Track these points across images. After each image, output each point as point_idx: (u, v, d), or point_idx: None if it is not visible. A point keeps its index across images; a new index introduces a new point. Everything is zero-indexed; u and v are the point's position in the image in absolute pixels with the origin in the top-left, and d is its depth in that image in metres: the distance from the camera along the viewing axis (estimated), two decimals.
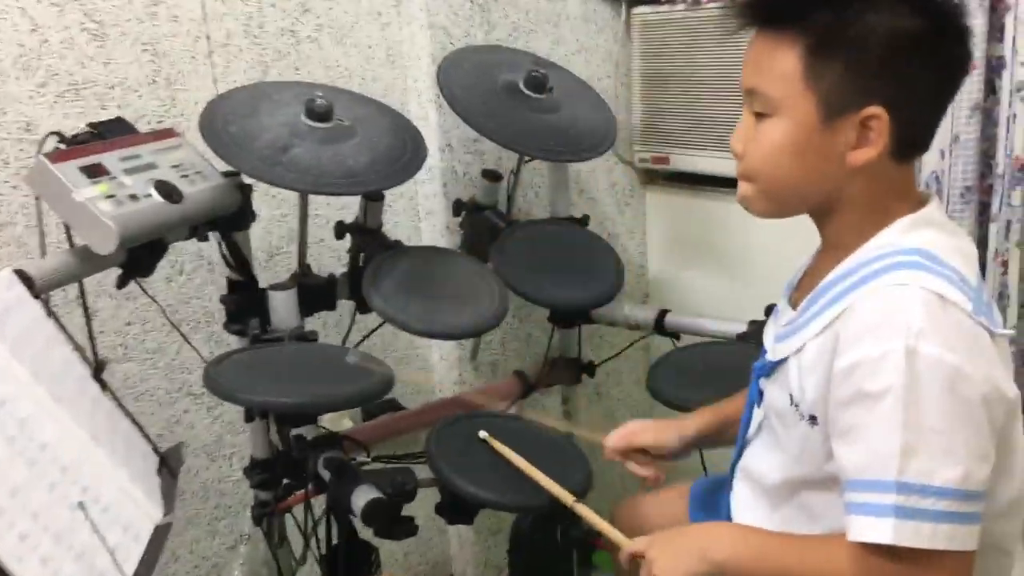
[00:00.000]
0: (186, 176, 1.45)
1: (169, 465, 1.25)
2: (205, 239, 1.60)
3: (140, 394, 1.95)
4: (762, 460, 1.19)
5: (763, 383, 1.19)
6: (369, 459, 1.75)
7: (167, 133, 1.51)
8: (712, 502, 1.39)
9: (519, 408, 2.26)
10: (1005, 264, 1.69)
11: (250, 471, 1.70)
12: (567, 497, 1.32)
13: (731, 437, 1.29)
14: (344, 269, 1.81)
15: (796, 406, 1.07)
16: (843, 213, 1.07)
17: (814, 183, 1.06)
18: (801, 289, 1.17)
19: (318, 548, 1.45)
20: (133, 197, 1.34)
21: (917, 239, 1.02)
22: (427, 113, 2.13)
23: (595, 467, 1.53)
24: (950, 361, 0.92)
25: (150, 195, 1.36)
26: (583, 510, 1.30)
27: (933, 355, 0.92)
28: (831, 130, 1.02)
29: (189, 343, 1.77)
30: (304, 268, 1.81)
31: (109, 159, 1.36)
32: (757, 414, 1.22)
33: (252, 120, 1.57)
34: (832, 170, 1.04)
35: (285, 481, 1.64)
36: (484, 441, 1.43)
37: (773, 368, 1.15)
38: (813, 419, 1.04)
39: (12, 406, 0.97)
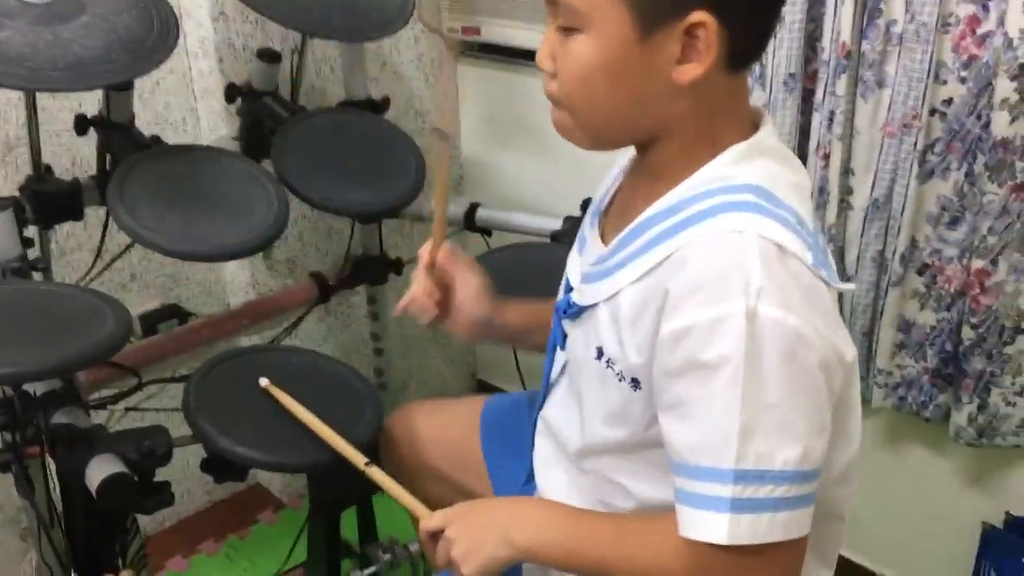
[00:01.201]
0: None
1: None
2: None
3: None
4: (565, 416, 1.05)
5: (566, 325, 1.03)
6: (139, 386, 1.53)
7: None
8: (510, 423, 1.26)
9: (322, 311, 2.07)
10: (827, 157, 1.58)
11: None
12: (359, 459, 1.15)
13: (540, 346, 1.13)
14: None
15: (609, 362, 0.92)
16: (669, 140, 0.90)
17: (637, 109, 0.89)
18: (611, 218, 1.01)
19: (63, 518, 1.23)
20: None
21: (750, 172, 0.87)
22: None
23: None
24: (792, 324, 0.79)
25: None
26: (376, 474, 1.13)
27: (774, 318, 0.78)
28: (651, 44, 0.84)
29: None
30: (40, 171, 1.51)
31: None
32: (560, 356, 1.07)
33: None
34: (656, 91, 0.86)
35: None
36: (264, 391, 1.24)
37: (579, 312, 0.99)
38: (636, 382, 0.90)
39: None
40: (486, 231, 1.84)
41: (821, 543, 0.96)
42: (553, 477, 1.09)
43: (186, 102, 1.94)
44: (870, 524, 1.74)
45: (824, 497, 0.87)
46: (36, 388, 1.20)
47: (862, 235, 1.59)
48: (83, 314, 1.11)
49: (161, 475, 1.97)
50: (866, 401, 1.66)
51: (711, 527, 0.81)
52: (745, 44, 0.86)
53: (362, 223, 1.89)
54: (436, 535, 0.99)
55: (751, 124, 0.92)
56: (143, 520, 2.07)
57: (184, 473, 2.11)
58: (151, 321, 1.93)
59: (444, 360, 2.47)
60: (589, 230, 1.04)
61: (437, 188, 1.13)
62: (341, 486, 1.63)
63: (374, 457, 1.19)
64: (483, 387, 2.54)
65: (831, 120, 1.56)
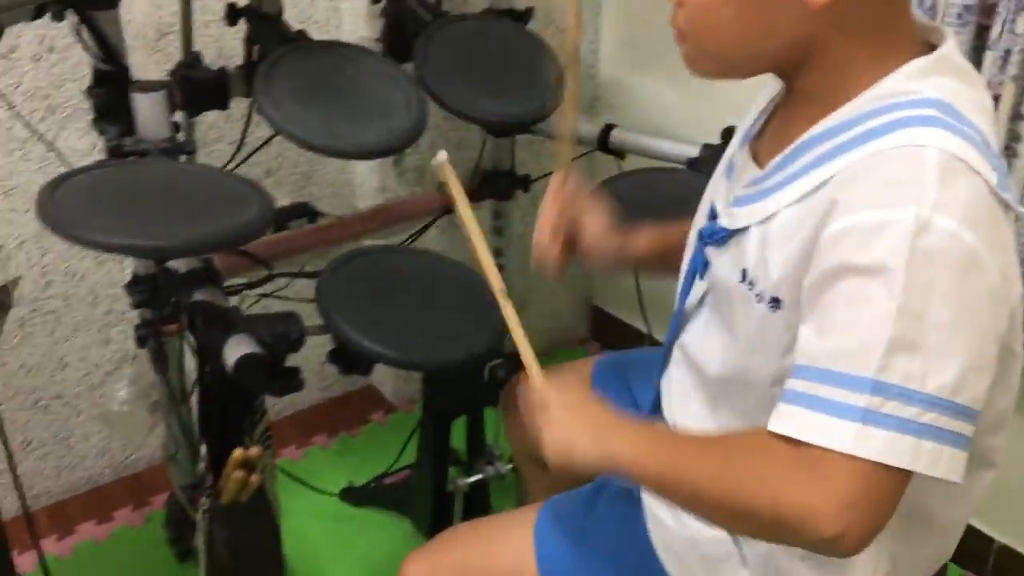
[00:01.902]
0: None
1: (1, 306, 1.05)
2: (60, 18, 1.31)
3: (10, 190, 1.73)
4: (705, 343, 1.00)
5: (710, 252, 0.99)
6: (269, 277, 1.57)
7: None
8: (620, 382, 1.24)
9: (447, 221, 2.08)
10: (996, 99, 1.48)
11: (131, 287, 1.51)
12: (496, 284, 1.12)
13: (673, 271, 1.09)
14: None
15: (751, 284, 0.88)
16: (815, 65, 0.84)
17: (769, 37, 0.83)
18: (766, 141, 0.96)
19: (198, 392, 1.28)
20: None
21: (933, 87, 0.80)
22: None
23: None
24: (968, 241, 0.73)
25: None
26: (507, 309, 1.09)
27: (948, 230, 0.72)
28: None
29: (43, 141, 1.52)
30: (191, 57, 1.54)
31: None
32: (699, 286, 1.03)
33: None
34: (788, 17, 0.81)
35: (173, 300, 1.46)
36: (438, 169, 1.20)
37: (726, 237, 0.95)
38: (775, 302, 0.84)
39: None
40: (619, 154, 1.80)
41: (970, 491, 0.91)
42: (686, 408, 1.05)
43: (331, 3, 1.94)
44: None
45: (977, 441, 0.79)
46: (179, 266, 1.24)
47: None
48: (229, 197, 1.13)
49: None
50: None
51: (834, 432, 0.74)
52: None
53: (495, 135, 1.87)
54: (540, 400, 0.94)
55: (922, 42, 0.85)
56: None
57: (304, 367, 2.17)
58: (282, 217, 1.96)
59: (562, 285, 2.46)
60: (739, 153, 0.99)
61: (564, 115, 1.11)
62: (456, 393, 1.66)
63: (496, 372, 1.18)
64: (598, 314, 2.53)
65: (1005, 60, 1.45)
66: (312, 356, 2.18)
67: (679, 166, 1.67)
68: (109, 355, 1.95)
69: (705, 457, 0.86)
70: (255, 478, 1.08)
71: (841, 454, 0.73)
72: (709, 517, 0.87)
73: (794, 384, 0.78)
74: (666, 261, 1.15)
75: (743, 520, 0.82)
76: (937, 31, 0.87)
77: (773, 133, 0.95)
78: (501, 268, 2.06)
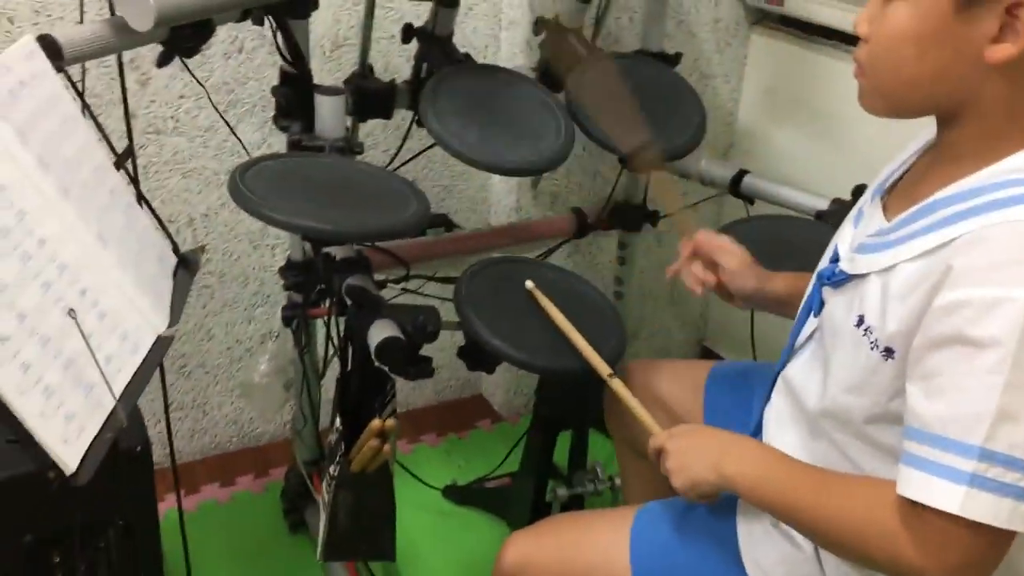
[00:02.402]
0: None
1: (187, 267, 1.19)
2: (260, 23, 1.47)
3: (188, 171, 1.90)
4: (808, 377, 1.08)
5: (826, 292, 1.07)
6: (406, 276, 1.69)
7: None
8: (735, 392, 1.31)
9: (574, 246, 2.18)
10: None
11: (285, 271, 1.65)
12: (604, 368, 1.25)
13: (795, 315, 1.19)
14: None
15: (867, 331, 0.95)
16: (971, 121, 0.90)
17: (940, 81, 0.89)
18: (897, 195, 1.02)
19: (340, 365, 1.41)
20: None
21: None
22: None
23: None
24: None
25: None
26: (618, 385, 1.23)
27: None
28: (968, 18, 0.85)
29: (234, 133, 1.69)
30: (365, 68, 1.69)
31: None
32: (811, 323, 1.10)
33: None
34: (964, 68, 0.87)
35: (320, 286, 1.60)
36: (528, 292, 1.35)
37: (845, 280, 1.02)
38: (889, 352, 0.92)
39: (11, 194, 0.90)
40: (749, 199, 1.86)
41: None
42: (783, 437, 1.13)
43: (492, 30, 2.08)
44: None
45: None
46: (337, 252, 1.37)
47: None
48: (394, 195, 1.26)
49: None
50: None
51: (944, 494, 0.83)
52: None
53: (631, 169, 1.96)
54: (662, 450, 1.09)
55: None
56: None
57: None
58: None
59: (676, 320, 2.52)
60: (870, 204, 1.06)
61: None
62: (566, 406, 1.75)
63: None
64: (707, 354, 2.58)
65: None
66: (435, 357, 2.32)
67: (807, 216, 1.72)
68: (251, 333, 2.12)
69: (823, 495, 0.96)
70: (387, 448, 1.19)
71: (950, 514, 0.82)
72: (819, 544, 1.00)
73: (910, 446, 0.87)
74: (793, 308, 1.23)
75: (856, 558, 0.96)
76: None
77: (906, 188, 1.02)
78: (620, 296, 2.16)
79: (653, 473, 1.16)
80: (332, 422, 1.37)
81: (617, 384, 1.22)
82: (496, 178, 2.21)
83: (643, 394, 1.28)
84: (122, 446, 1.32)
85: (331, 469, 1.33)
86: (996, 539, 0.83)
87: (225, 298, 2.07)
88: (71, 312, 0.90)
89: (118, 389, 0.94)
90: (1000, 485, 0.81)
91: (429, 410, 2.38)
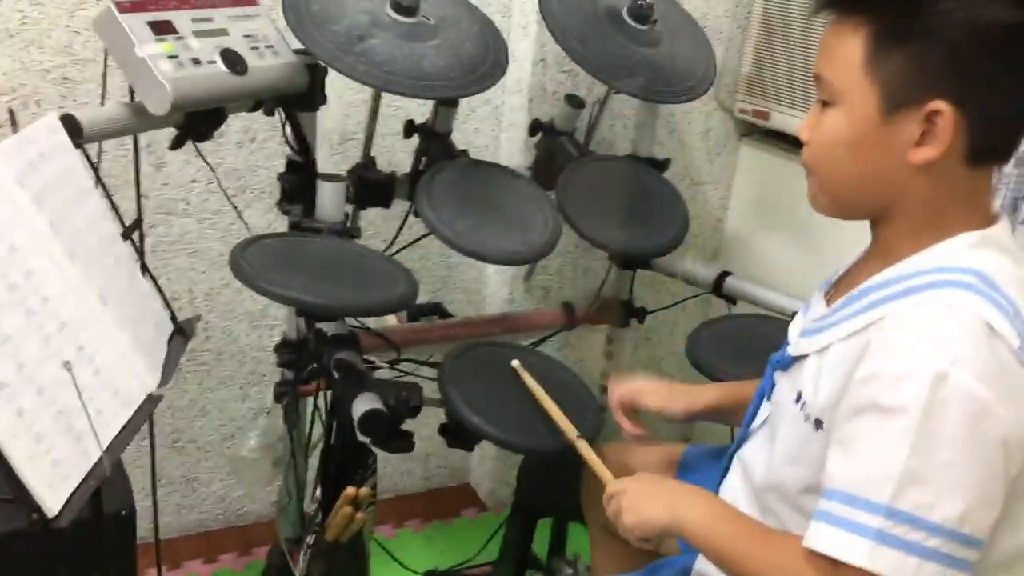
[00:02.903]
0: (256, 48, 1.42)
1: (183, 335, 1.26)
2: (271, 114, 1.58)
3: (193, 252, 1.99)
4: (758, 455, 1.14)
5: (777, 376, 1.13)
6: (397, 360, 1.75)
7: (247, 0, 1.48)
8: (702, 470, 1.35)
9: (563, 340, 2.24)
10: None
11: (279, 348, 1.72)
12: (571, 431, 1.30)
13: (740, 420, 1.24)
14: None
15: (802, 405, 1.02)
16: (899, 218, 0.99)
17: (871, 181, 0.98)
18: (839, 288, 1.10)
19: (324, 440, 1.46)
20: (196, 61, 1.32)
21: (978, 260, 0.93)
22: (528, 23, 2.05)
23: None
24: (980, 395, 0.85)
25: (214, 62, 1.34)
26: (583, 447, 1.28)
27: (963, 385, 0.85)
28: (892, 124, 0.93)
29: (239, 214, 1.78)
30: (368, 160, 1.78)
31: (180, 18, 1.34)
32: (765, 407, 1.16)
33: (335, 1, 1.52)
34: (892, 168, 0.95)
35: (312, 365, 1.66)
36: (513, 370, 1.41)
37: (791, 363, 1.09)
38: (819, 423, 0.98)
39: (22, 256, 0.98)
40: (731, 299, 1.93)
41: None
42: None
43: (492, 132, 2.19)
44: None
45: None
46: (328, 328, 1.43)
47: None
48: (384, 275, 1.33)
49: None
50: None
51: (850, 547, 0.87)
52: (987, 140, 0.93)
53: (620, 266, 2.04)
54: (616, 492, 1.13)
55: (987, 220, 0.97)
56: None
57: (411, 457, 2.33)
58: (416, 313, 2.17)
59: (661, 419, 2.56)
60: (817, 296, 1.14)
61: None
62: (546, 493, 1.78)
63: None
64: None
65: None
66: (420, 448, 2.35)
67: (785, 317, 1.79)
68: (244, 411, 2.17)
69: (758, 547, 1.01)
70: (360, 516, 1.23)
71: (856, 568, 0.87)
72: None
73: (822, 504, 0.93)
74: (732, 411, 1.32)
75: None
76: (997, 215, 0.99)
77: (846, 281, 1.10)
78: (605, 390, 2.20)
79: (623, 551, 1.20)
80: (313, 494, 1.41)
81: (583, 446, 1.27)
82: (490, 270, 2.29)
83: (617, 474, 1.32)
84: (108, 508, 1.36)
85: (308, 539, 1.37)
86: None
87: (222, 376, 2.12)
88: (67, 364, 0.96)
89: (105, 441, 0.99)
90: (905, 543, 0.86)
91: (416, 496, 2.41)
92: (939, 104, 0.90)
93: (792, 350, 1.10)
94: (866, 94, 0.94)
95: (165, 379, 1.13)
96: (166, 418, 2.09)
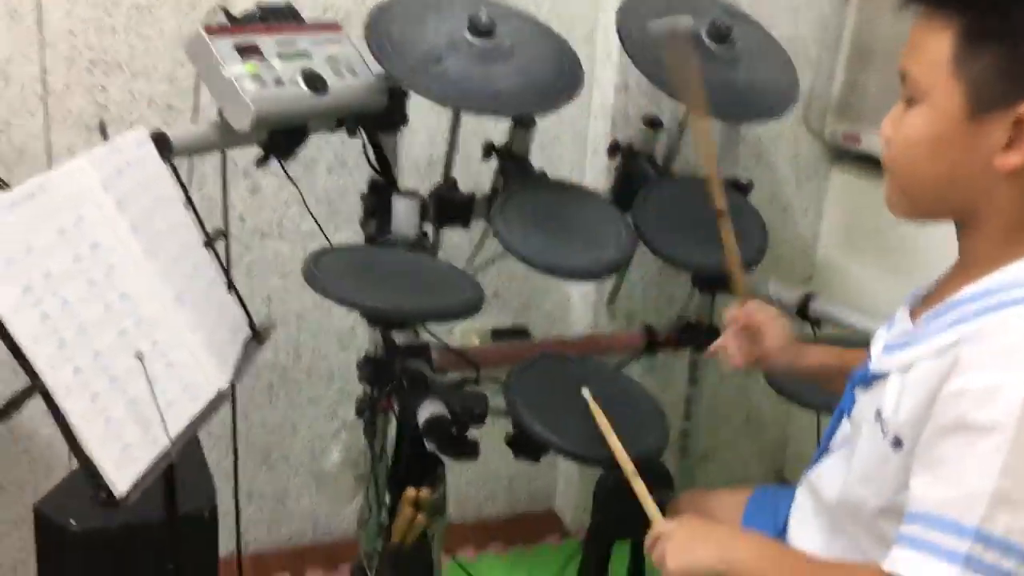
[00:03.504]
0: (338, 70, 1.49)
1: (258, 339, 1.31)
2: (353, 134, 1.64)
3: (286, 272, 2.07)
4: (834, 474, 1.10)
5: (858, 393, 1.10)
6: (476, 379, 1.77)
7: (332, 26, 1.56)
8: (770, 510, 1.31)
9: (647, 365, 2.22)
10: None
11: (362, 365, 1.76)
12: (628, 465, 1.28)
13: (840, 387, 1.19)
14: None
15: (881, 423, 0.98)
16: (985, 226, 0.95)
17: (952, 184, 0.94)
18: (925, 303, 1.06)
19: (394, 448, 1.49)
20: (278, 81, 1.39)
21: None
22: (611, 50, 2.08)
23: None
24: None
25: (296, 82, 1.41)
26: (638, 484, 1.25)
27: None
28: (978, 126, 0.90)
29: (322, 231, 1.84)
30: (449, 181, 1.83)
31: (265, 41, 1.42)
32: (845, 424, 1.13)
33: (417, 26, 1.58)
34: (975, 173, 0.92)
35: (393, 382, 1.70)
36: (581, 396, 1.40)
37: (872, 380, 1.05)
38: (898, 442, 0.94)
39: (104, 253, 1.05)
40: (816, 322, 1.89)
41: None
42: (805, 533, 1.14)
43: (577, 157, 2.22)
44: None
45: None
46: (400, 338, 1.47)
47: None
48: (450, 284, 1.37)
49: (475, 468, 2.21)
50: None
51: (937, 573, 0.83)
52: None
53: (698, 288, 2.02)
54: (661, 535, 1.07)
55: None
56: (452, 509, 2.34)
57: (495, 481, 2.36)
58: (501, 335, 2.20)
59: (752, 448, 2.50)
60: (902, 312, 1.10)
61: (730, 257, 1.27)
62: (621, 512, 1.76)
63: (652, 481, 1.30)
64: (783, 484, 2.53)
65: None
66: (504, 472, 2.36)
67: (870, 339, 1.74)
68: (333, 429, 2.22)
69: (810, 567, 0.96)
70: (421, 518, 1.25)
71: None
72: None
73: (906, 529, 0.88)
74: (832, 378, 1.26)
75: None
76: None
77: (932, 297, 1.06)
78: (689, 416, 2.18)
79: None
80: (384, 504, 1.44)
81: (637, 483, 1.24)
82: (574, 295, 2.30)
83: None
84: (190, 509, 1.43)
85: (377, 545, 1.39)
86: None
87: (311, 394, 2.19)
88: (139, 355, 1.02)
89: (174, 430, 1.05)
90: (995, 570, 0.81)
91: (500, 521, 2.41)
92: None
93: (874, 366, 1.06)
94: (952, 93, 0.91)
95: (237, 378, 1.18)
96: (259, 435, 2.17)
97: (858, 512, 1.02)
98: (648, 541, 1.11)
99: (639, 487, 1.25)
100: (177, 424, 1.06)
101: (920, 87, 0.94)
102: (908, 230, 2.08)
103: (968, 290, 0.94)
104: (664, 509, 1.68)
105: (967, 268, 0.97)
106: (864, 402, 1.06)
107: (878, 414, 0.99)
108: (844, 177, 2.27)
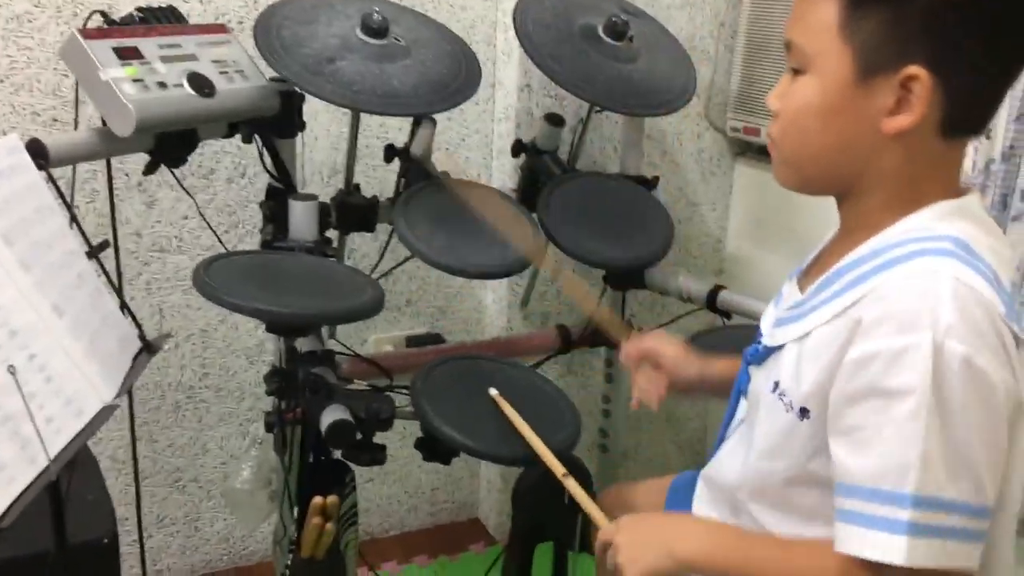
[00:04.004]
0: (225, 73, 1.45)
1: (150, 352, 1.26)
2: (249, 141, 1.60)
3: (188, 288, 2.00)
4: (733, 456, 1.10)
5: (752, 370, 1.10)
6: (390, 387, 1.74)
7: (217, 28, 1.51)
8: (692, 494, 1.31)
9: (564, 365, 2.22)
10: None
11: (268, 378, 1.71)
12: (558, 469, 1.25)
13: None
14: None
15: (781, 394, 0.97)
16: (869, 192, 0.95)
17: (842, 152, 0.95)
18: (810, 274, 1.07)
19: (300, 457, 1.44)
20: (162, 84, 1.34)
21: (952, 227, 0.90)
22: (511, 50, 2.07)
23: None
24: (979, 364, 0.82)
25: (181, 85, 1.37)
26: (571, 484, 1.23)
27: (961, 355, 0.82)
28: (866, 90, 0.90)
29: (221, 242, 1.79)
30: (351, 186, 1.79)
31: (147, 44, 1.37)
32: (742, 406, 1.12)
33: (307, 27, 1.55)
34: (863, 138, 0.92)
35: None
36: (490, 396, 1.38)
37: (766, 355, 1.05)
38: (804, 412, 0.94)
39: None
40: (726, 313, 1.90)
41: None
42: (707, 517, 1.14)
43: (483, 159, 2.20)
44: None
45: None
46: (302, 346, 1.43)
47: None
48: (350, 287, 1.33)
49: (395, 481, 2.16)
50: None
51: (888, 547, 0.84)
52: (962, 110, 0.90)
53: (613, 287, 2.02)
54: (608, 545, 1.06)
55: (959, 194, 0.94)
56: (370, 523, 2.29)
57: (416, 492, 2.32)
58: (415, 343, 2.17)
59: (673, 444, 2.51)
60: (788, 285, 1.10)
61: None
62: (541, 517, 1.74)
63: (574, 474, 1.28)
64: None
65: None
66: (426, 482, 2.33)
67: None
68: (245, 447, 2.16)
69: (774, 561, 0.96)
70: (330, 527, 1.21)
71: (899, 567, 0.83)
72: None
73: (843, 503, 0.88)
74: None
75: None
76: (968, 186, 0.97)
77: (817, 266, 1.06)
78: (608, 414, 2.18)
79: None
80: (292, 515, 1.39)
81: (571, 483, 1.22)
82: (488, 299, 2.28)
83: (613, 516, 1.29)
84: (88, 537, 1.36)
85: (287, 561, 1.35)
86: None
87: (221, 413, 2.12)
88: (11, 368, 0.96)
89: (55, 449, 0.99)
90: (935, 528, 0.83)
91: (423, 533, 2.37)
92: (915, 69, 0.87)
93: (767, 341, 1.06)
94: (841, 59, 0.91)
95: (122, 392, 1.12)
96: (167, 457, 2.09)
97: (764, 487, 1.01)
98: (597, 550, 1.09)
99: (574, 488, 1.22)
100: (58, 441, 1.00)
101: (807, 55, 0.94)
102: (813, 219, 2.12)
103: (853, 255, 0.95)
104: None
105: (851, 234, 0.97)
106: (760, 378, 1.06)
107: (776, 386, 0.99)
108: (748, 170, 2.31)
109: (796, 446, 0.96)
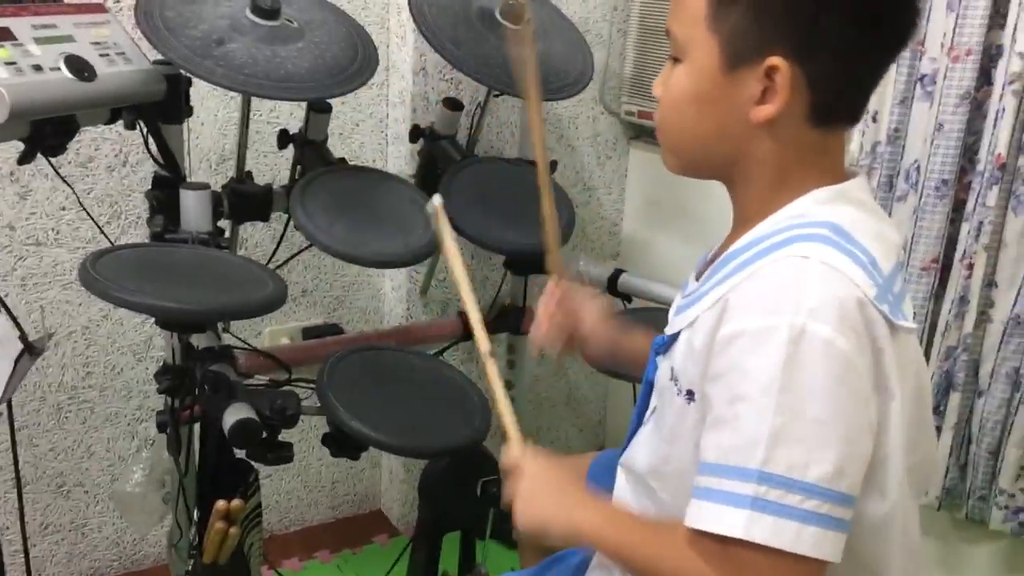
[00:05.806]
0: (106, 55, 1.36)
1: (31, 352, 1.18)
2: (132, 127, 1.51)
3: (68, 283, 1.90)
4: (646, 444, 1.10)
5: (659, 359, 1.10)
6: (288, 380, 1.68)
7: (95, 8, 1.42)
8: (613, 473, 1.32)
9: (465, 352, 2.20)
10: (971, 267, 1.58)
11: (159, 376, 1.63)
12: (485, 343, 1.22)
13: None
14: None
15: (675, 380, 0.98)
16: (750, 180, 0.96)
17: (717, 140, 0.96)
18: (710, 263, 1.08)
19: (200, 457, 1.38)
20: (37, 68, 1.26)
21: (831, 213, 0.91)
22: (405, 33, 2.03)
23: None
24: (840, 347, 0.82)
25: (58, 69, 1.28)
26: (491, 368, 1.20)
27: (822, 337, 0.82)
28: (734, 80, 0.91)
29: (104, 234, 1.70)
30: (243, 175, 1.73)
31: (19, 25, 1.28)
32: (654, 398, 1.13)
33: (193, 7, 1.47)
34: (735, 127, 0.93)
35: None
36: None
37: (669, 344, 1.06)
38: (690, 395, 0.94)
39: None
40: (627, 297, 1.92)
41: None
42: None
43: (379, 145, 2.16)
44: None
45: (858, 547, 0.88)
46: (199, 342, 1.37)
47: (998, 350, 1.57)
48: (249, 280, 1.27)
49: (294, 475, 2.11)
50: (983, 522, 1.60)
51: (728, 521, 0.83)
52: (828, 98, 0.91)
53: (513, 272, 2.01)
54: (517, 468, 1.04)
55: (842, 178, 0.96)
56: (269, 519, 2.23)
57: (317, 486, 2.27)
58: (312, 334, 2.11)
59: (574, 427, 2.53)
60: (692, 275, 1.11)
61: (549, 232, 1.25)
62: (448, 508, 1.72)
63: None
64: None
65: (979, 231, 1.56)
66: (326, 476, 2.28)
67: None
68: (134, 449, 2.07)
69: (646, 544, 0.95)
70: (234, 531, 1.16)
71: (737, 540, 0.82)
72: None
73: (700, 481, 0.88)
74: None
75: None
76: (855, 171, 0.99)
77: (715, 256, 1.07)
78: (512, 400, 2.17)
79: None
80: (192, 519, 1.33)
81: (491, 365, 1.19)
82: (387, 287, 2.24)
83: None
84: None
85: (187, 567, 1.29)
86: (802, 569, 0.83)
87: (107, 413, 2.02)
88: None
89: None
90: (782, 508, 0.82)
91: (325, 526, 2.32)
92: (776, 60, 0.88)
93: (668, 329, 1.06)
94: (709, 49, 0.92)
95: (5, 395, 1.05)
96: (49, 461, 1.98)
97: (667, 472, 1.02)
98: (503, 467, 1.06)
99: (493, 377, 1.18)
100: None
101: (681, 45, 0.95)
102: (706, 202, 2.16)
103: (738, 243, 0.96)
104: (495, 496, 1.66)
105: (742, 223, 0.99)
106: (664, 366, 1.06)
107: (671, 371, 1.00)
108: (642, 154, 2.33)
109: (687, 430, 0.96)
